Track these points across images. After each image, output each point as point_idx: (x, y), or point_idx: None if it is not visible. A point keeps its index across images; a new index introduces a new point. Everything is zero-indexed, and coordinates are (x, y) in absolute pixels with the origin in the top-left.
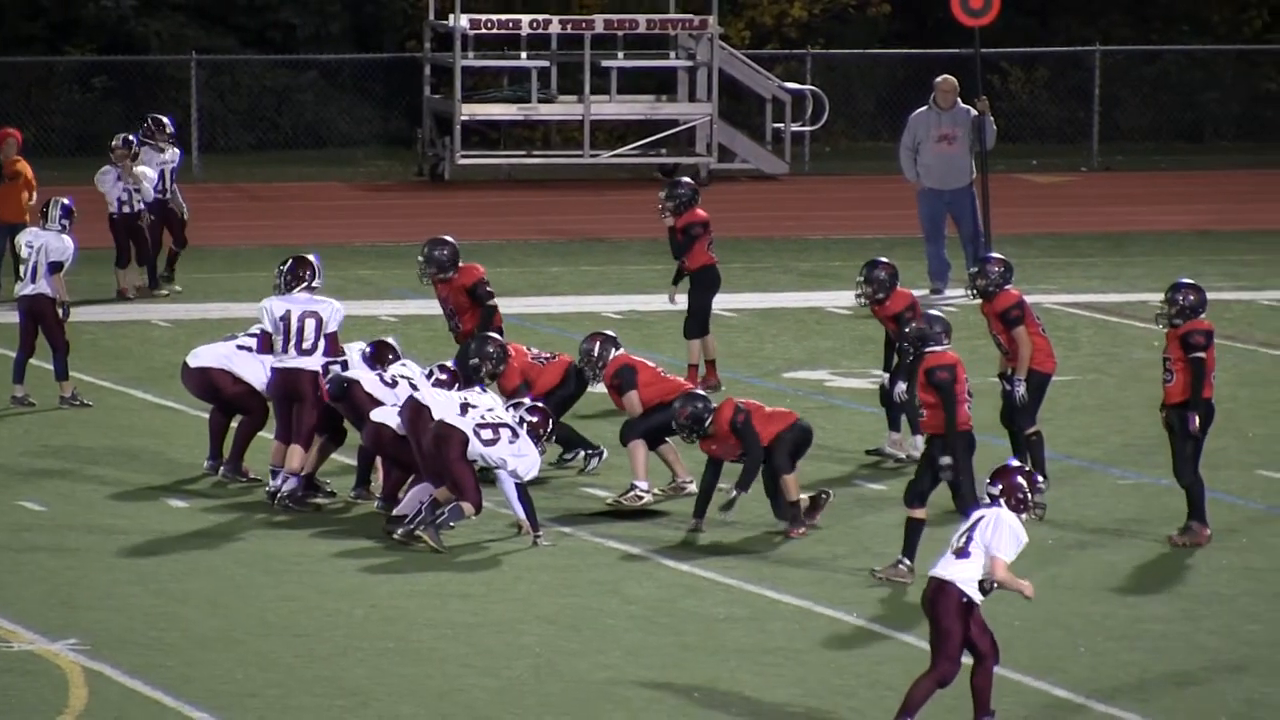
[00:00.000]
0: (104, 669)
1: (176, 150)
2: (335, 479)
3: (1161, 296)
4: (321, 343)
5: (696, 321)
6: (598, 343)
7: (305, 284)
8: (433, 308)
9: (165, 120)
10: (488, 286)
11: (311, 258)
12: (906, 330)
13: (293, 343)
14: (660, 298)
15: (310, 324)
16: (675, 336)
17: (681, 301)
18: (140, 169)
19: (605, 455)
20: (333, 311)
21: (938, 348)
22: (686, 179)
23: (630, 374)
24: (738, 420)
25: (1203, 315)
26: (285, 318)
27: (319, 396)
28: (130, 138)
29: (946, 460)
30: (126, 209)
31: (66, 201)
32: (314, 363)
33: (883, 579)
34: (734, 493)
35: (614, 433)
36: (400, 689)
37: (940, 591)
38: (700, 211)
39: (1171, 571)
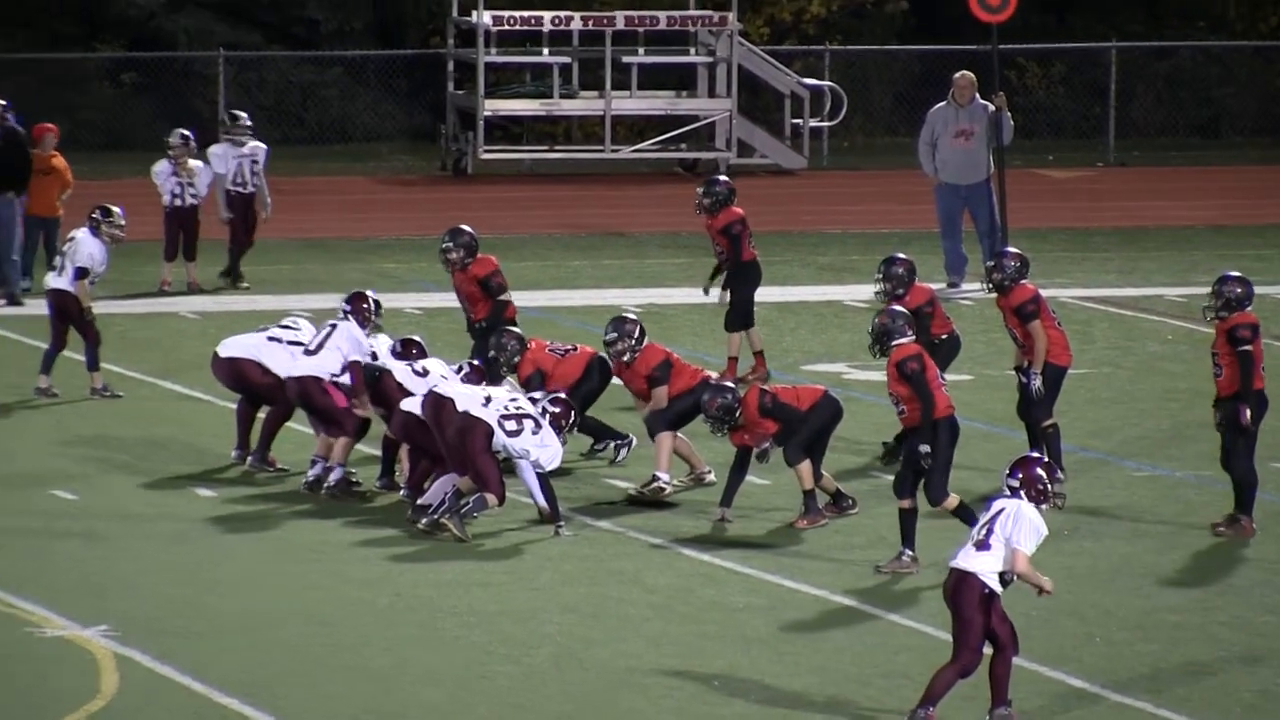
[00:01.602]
0: (135, 655)
1: (259, 144)
2: (360, 468)
3: (1176, 291)
4: (325, 353)
5: (738, 314)
6: (636, 328)
7: (350, 309)
8: (456, 300)
9: (241, 114)
10: (499, 279)
11: (370, 294)
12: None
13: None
14: (679, 291)
15: (321, 332)
16: (694, 329)
17: (714, 294)
18: (194, 164)
19: (635, 443)
20: (347, 330)
21: (902, 340)
22: (724, 177)
23: (668, 369)
24: (766, 403)
25: (1249, 307)
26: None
27: (324, 395)
28: (187, 133)
29: (925, 449)
30: (179, 202)
31: None
32: (309, 367)
33: (887, 572)
34: (767, 443)
35: (633, 423)
36: (424, 676)
37: (962, 583)
38: (737, 209)
39: (1186, 563)
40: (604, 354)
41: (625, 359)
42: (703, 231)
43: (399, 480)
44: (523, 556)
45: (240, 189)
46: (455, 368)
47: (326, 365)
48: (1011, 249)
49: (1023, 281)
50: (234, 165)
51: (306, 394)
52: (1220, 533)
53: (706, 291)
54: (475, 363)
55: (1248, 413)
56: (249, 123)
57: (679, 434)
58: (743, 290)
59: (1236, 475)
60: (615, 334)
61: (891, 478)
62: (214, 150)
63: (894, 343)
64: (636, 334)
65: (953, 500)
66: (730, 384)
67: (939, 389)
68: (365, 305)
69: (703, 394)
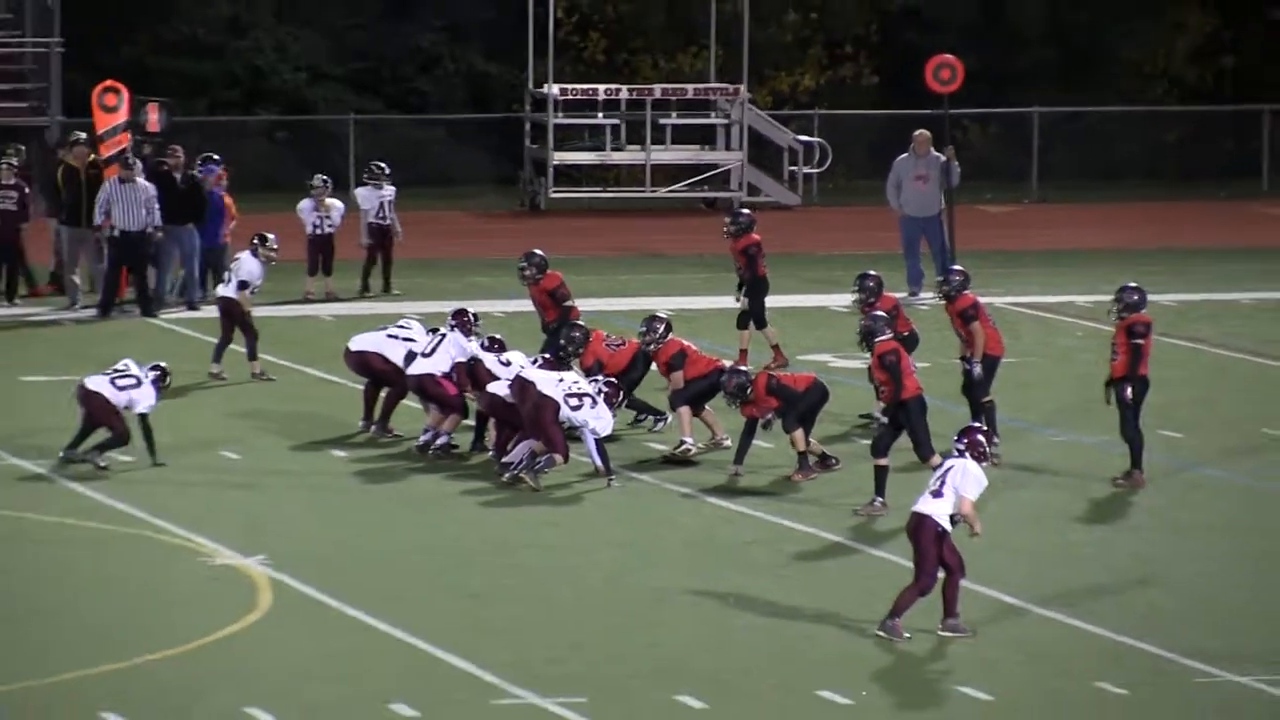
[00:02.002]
0: (285, 579)
1: (392, 187)
2: (457, 435)
3: (1085, 298)
4: (436, 356)
5: (750, 316)
6: (662, 325)
7: (455, 323)
8: (532, 306)
9: (382, 165)
10: (564, 290)
11: (469, 310)
12: (858, 329)
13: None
14: (703, 299)
15: (433, 339)
16: (715, 328)
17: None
18: (330, 201)
19: (669, 419)
20: (454, 339)
21: (883, 338)
22: (746, 210)
23: (681, 359)
24: (772, 384)
25: (1143, 310)
26: (433, 331)
27: (437, 387)
28: (326, 178)
29: (883, 417)
30: (319, 231)
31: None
32: (425, 366)
33: (863, 515)
34: (770, 415)
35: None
36: (507, 594)
37: (921, 523)
38: (755, 235)
39: (1091, 507)
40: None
41: (651, 348)
42: (723, 253)
43: (488, 444)
44: (582, 503)
45: (380, 221)
46: (532, 359)
47: (438, 365)
48: (957, 267)
49: (965, 292)
50: (375, 204)
51: (423, 387)
52: (1119, 484)
53: (738, 299)
54: (546, 355)
55: (1129, 390)
56: (388, 171)
57: (707, 407)
58: (756, 298)
59: (1126, 439)
60: (645, 328)
61: (868, 442)
62: (360, 191)
63: (877, 339)
64: (660, 330)
65: (936, 459)
66: (745, 369)
67: (910, 375)
68: (467, 318)
69: (723, 375)
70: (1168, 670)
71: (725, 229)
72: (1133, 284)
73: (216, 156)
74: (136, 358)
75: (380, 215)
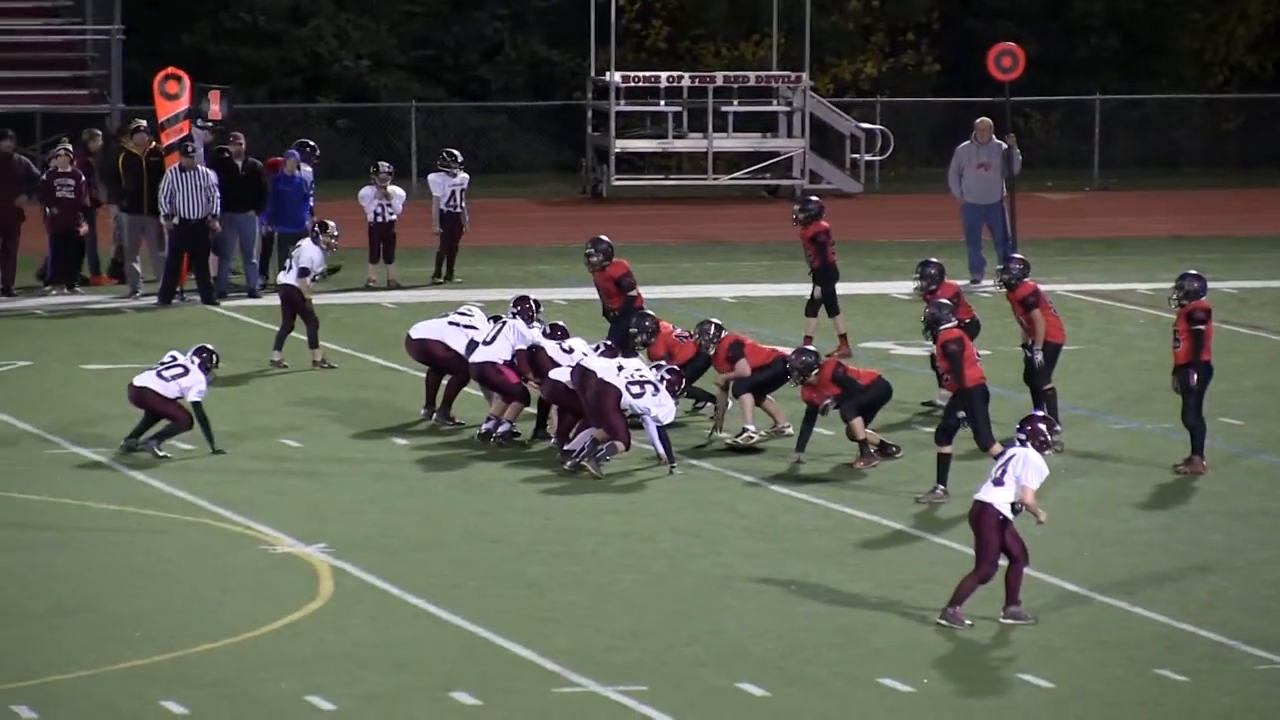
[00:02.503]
0: (346, 566)
1: (465, 175)
2: (519, 423)
3: (1146, 286)
4: (498, 343)
5: (820, 303)
6: (712, 326)
7: (517, 310)
8: (593, 293)
9: (455, 152)
10: (630, 278)
11: (531, 297)
12: (922, 318)
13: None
14: (765, 286)
15: (494, 326)
16: (777, 316)
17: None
18: (392, 189)
19: (729, 405)
20: (515, 326)
21: (947, 325)
22: (815, 197)
23: (739, 348)
24: (838, 372)
25: (1204, 297)
26: (495, 319)
27: (499, 374)
28: (389, 165)
29: (961, 415)
30: (380, 219)
31: None
32: (486, 354)
33: (925, 502)
34: (829, 400)
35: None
36: (568, 582)
37: (983, 511)
38: (824, 223)
39: (1153, 494)
40: None
41: (709, 350)
42: (787, 240)
43: (550, 432)
44: (644, 490)
45: (452, 209)
46: (594, 346)
47: (500, 353)
48: (1018, 255)
49: (1026, 280)
50: (447, 191)
51: (484, 375)
52: (1179, 471)
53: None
54: (609, 342)
55: (1194, 376)
56: (460, 158)
57: (769, 396)
58: (826, 285)
59: (1188, 425)
60: (699, 332)
61: (930, 430)
62: (433, 178)
63: (941, 327)
64: (712, 331)
65: (996, 447)
66: (813, 349)
67: (973, 364)
68: (528, 306)
69: (791, 353)
70: (1228, 657)
71: (794, 216)
72: (1193, 271)
73: (311, 143)
74: (198, 345)
75: (451, 203)
